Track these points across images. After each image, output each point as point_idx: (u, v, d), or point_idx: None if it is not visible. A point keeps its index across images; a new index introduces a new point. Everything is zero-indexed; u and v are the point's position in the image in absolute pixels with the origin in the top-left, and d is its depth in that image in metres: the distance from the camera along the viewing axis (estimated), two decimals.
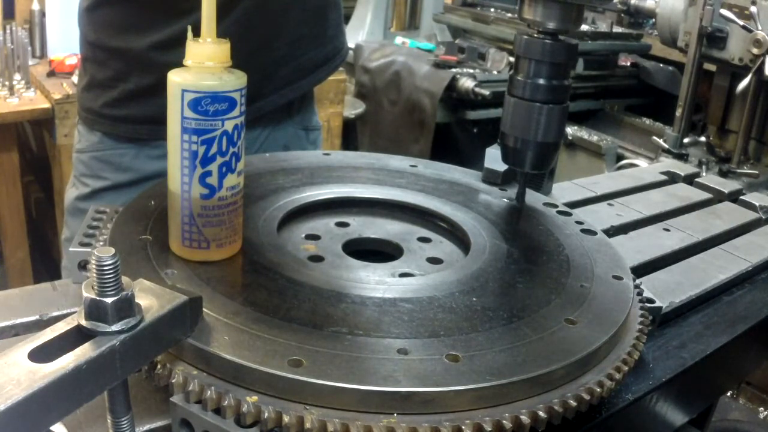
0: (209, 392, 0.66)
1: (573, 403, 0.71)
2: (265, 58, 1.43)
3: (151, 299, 0.66)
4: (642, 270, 1.13)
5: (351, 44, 3.84)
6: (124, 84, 1.41)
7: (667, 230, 1.29)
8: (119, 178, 1.46)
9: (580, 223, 1.10)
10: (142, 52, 1.36)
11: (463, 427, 0.66)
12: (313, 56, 1.53)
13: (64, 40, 3.17)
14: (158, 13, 1.34)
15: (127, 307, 0.61)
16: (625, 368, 0.79)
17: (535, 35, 1.00)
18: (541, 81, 1.00)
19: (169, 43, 1.31)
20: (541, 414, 0.69)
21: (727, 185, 1.57)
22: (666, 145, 2.88)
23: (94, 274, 0.60)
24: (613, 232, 1.25)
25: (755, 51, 2.42)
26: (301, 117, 1.62)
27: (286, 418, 0.64)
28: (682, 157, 2.81)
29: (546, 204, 1.16)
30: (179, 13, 1.30)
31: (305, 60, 1.52)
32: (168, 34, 1.32)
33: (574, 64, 1.06)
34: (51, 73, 3.06)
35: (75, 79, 2.95)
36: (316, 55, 1.54)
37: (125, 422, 0.65)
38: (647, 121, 3.78)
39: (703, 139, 2.94)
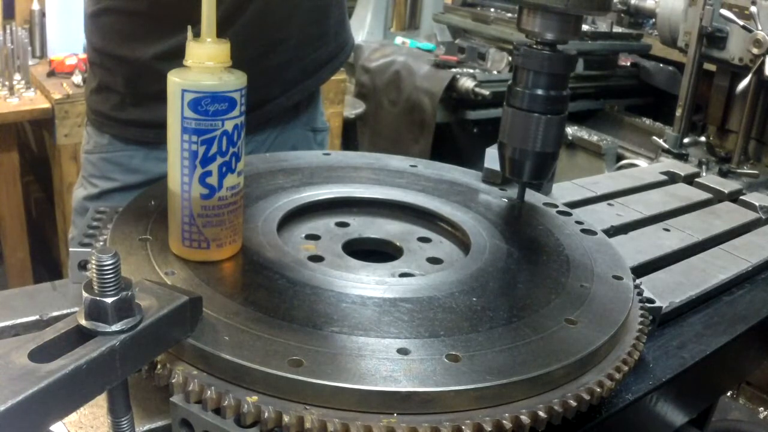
0: (209, 392, 0.66)
1: (573, 403, 0.71)
2: (271, 62, 1.44)
3: (151, 299, 0.66)
4: (642, 270, 1.13)
5: None
6: (133, 89, 1.41)
7: (667, 230, 1.29)
8: (128, 179, 1.47)
9: (580, 223, 1.10)
10: (147, 61, 1.36)
11: (463, 427, 0.66)
12: (318, 56, 1.53)
13: (64, 40, 3.18)
14: (161, 24, 1.34)
15: (127, 307, 0.61)
16: (625, 368, 0.79)
17: (534, 46, 1.00)
18: (540, 92, 1.00)
19: (174, 54, 1.31)
20: (541, 414, 0.69)
21: (727, 185, 1.57)
22: (666, 145, 2.88)
23: (94, 274, 0.60)
24: (613, 232, 1.25)
25: (755, 51, 2.42)
26: (307, 117, 1.62)
27: (286, 418, 0.64)
28: (682, 157, 2.81)
29: (546, 204, 1.16)
30: (182, 24, 1.30)
31: (310, 60, 1.52)
32: (172, 45, 1.32)
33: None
34: (51, 73, 3.06)
35: (75, 79, 2.95)
36: (321, 55, 1.54)
37: (125, 422, 0.66)
38: (647, 121, 3.78)
39: (703, 139, 2.94)
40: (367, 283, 0.86)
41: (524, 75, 1.01)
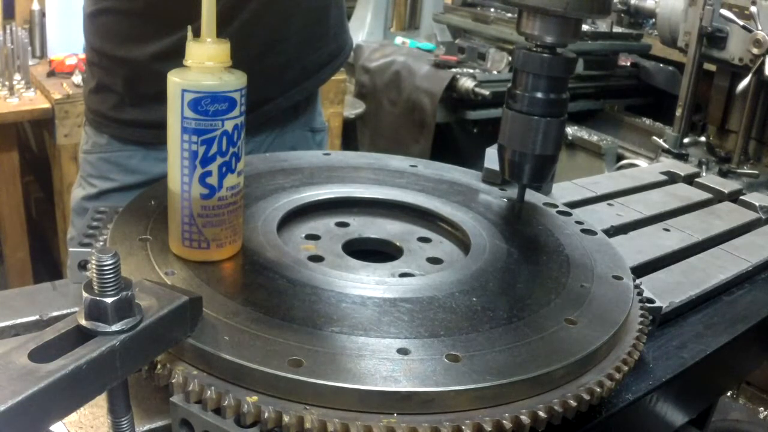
0: (209, 392, 0.66)
1: (573, 403, 0.71)
2: (270, 62, 1.43)
3: (151, 299, 0.66)
4: (642, 270, 1.12)
5: None
6: (131, 90, 1.41)
7: (667, 230, 1.29)
8: (127, 179, 1.47)
9: (580, 223, 1.10)
10: (145, 61, 1.36)
11: (463, 427, 0.66)
12: (317, 57, 1.53)
13: (64, 40, 3.18)
14: (158, 23, 1.34)
15: (127, 307, 0.61)
16: (625, 368, 0.79)
17: (534, 49, 1.00)
18: (539, 94, 1.00)
19: (171, 53, 1.31)
20: (541, 414, 0.69)
21: (727, 185, 1.57)
22: (666, 145, 2.88)
23: (94, 274, 0.60)
24: (613, 232, 1.25)
25: (755, 51, 2.42)
26: (306, 118, 1.62)
27: (286, 418, 0.64)
28: (682, 157, 2.81)
29: (546, 204, 1.16)
30: (179, 23, 1.31)
31: (310, 61, 1.52)
32: (168, 45, 1.32)
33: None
34: (51, 73, 3.05)
35: (75, 79, 2.95)
36: (320, 56, 1.54)
37: (125, 422, 0.66)
38: (647, 121, 3.78)
39: (703, 139, 2.94)
40: (367, 283, 0.86)
41: (524, 78, 1.01)
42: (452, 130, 4.11)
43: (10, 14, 3.31)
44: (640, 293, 0.95)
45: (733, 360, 1.12)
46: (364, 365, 0.69)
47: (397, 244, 1.02)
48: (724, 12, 2.49)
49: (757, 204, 1.47)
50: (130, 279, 0.63)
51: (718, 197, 1.52)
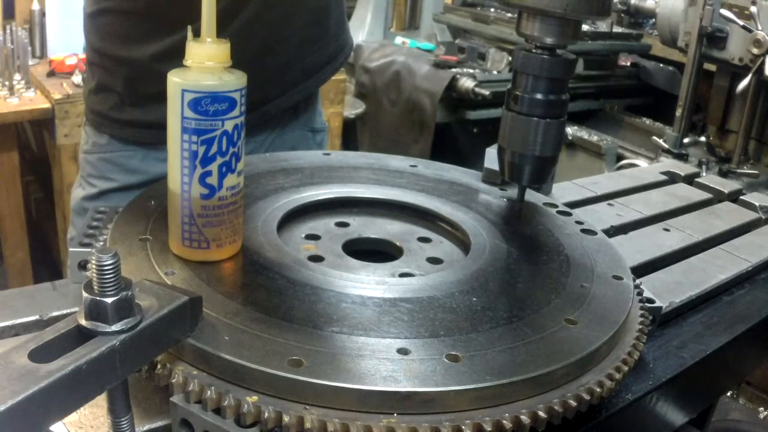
0: (209, 392, 0.66)
1: (573, 403, 0.71)
2: (270, 62, 1.44)
3: (151, 299, 0.66)
4: (642, 270, 1.13)
5: None
6: (131, 89, 1.42)
7: (667, 230, 1.29)
8: (127, 179, 1.47)
9: (580, 223, 1.10)
10: (145, 61, 1.36)
11: (463, 427, 0.66)
12: (317, 57, 1.53)
13: (64, 40, 3.18)
14: (158, 24, 1.34)
15: (127, 307, 0.61)
16: (625, 368, 0.79)
17: (533, 50, 1.00)
18: (539, 96, 1.00)
19: (171, 54, 1.31)
20: (541, 414, 0.69)
21: (727, 185, 1.57)
22: (666, 145, 2.89)
23: (94, 274, 0.60)
24: (613, 232, 1.25)
25: (755, 51, 2.42)
26: (306, 118, 1.62)
27: (286, 418, 0.64)
28: (682, 157, 2.82)
29: (546, 204, 1.16)
30: (179, 24, 1.31)
31: (310, 61, 1.52)
32: (169, 45, 1.33)
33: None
34: (51, 73, 3.06)
35: (75, 79, 2.95)
36: (321, 56, 1.54)
37: (125, 422, 0.66)
38: (647, 121, 3.78)
39: (703, 139, 2.95)
40: (367, 283, 0.86)
41: (523, 79, 1.01)
42: (452, 130, 4.11)
43: (10, 14, 3.31)
44: (640, 293, 0.95)
45: (733, 360, 1.12)
46: (364, 365, 0.69)
47: (397, 244, 1.02)
48: (724, 12, 2.49)
49: (757, 204, 1.47)
50: (130, 279, 0.63)
51: (718, 197, 1.52)
